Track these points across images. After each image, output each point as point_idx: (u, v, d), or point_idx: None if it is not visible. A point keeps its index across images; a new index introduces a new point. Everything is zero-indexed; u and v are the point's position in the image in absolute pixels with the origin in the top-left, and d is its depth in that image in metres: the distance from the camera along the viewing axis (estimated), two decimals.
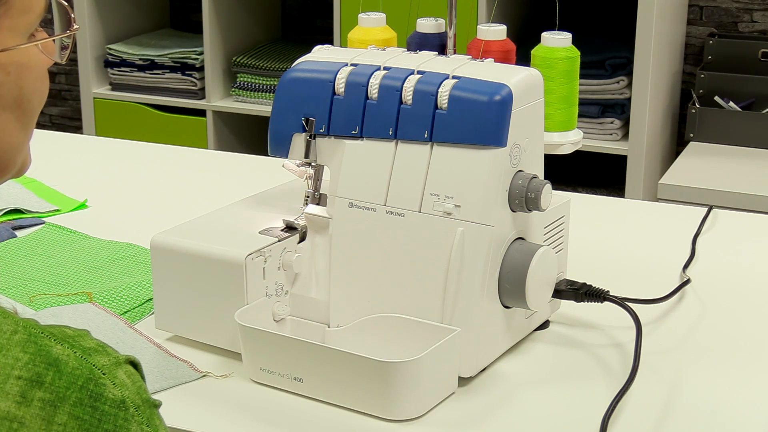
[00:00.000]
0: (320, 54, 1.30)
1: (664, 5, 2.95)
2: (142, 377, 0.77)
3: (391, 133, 1.21)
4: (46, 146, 2.04)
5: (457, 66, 1.21)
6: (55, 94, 4.11)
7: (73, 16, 0.89)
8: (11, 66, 0.81)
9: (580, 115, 1.53)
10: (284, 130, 1.28)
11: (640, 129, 2.94)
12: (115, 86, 3.60)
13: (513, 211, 1.20)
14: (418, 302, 1.20)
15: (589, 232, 1.64)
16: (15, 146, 0.85)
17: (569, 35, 1.37)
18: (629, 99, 2.98)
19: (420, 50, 1.29)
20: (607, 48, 3.05)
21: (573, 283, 1.30)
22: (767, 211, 2.50)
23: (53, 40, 0.87)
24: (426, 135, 1.19)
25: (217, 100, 3.48)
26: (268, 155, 1.34)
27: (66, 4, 0.89)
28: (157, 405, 0.76)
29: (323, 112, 1.25)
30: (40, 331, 0.73)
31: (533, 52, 1.38)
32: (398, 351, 1.17)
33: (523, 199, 1.19)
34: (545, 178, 1.23)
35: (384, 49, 1.29)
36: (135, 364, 0.77)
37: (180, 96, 3.52)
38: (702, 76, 3.13)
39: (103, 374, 0.73)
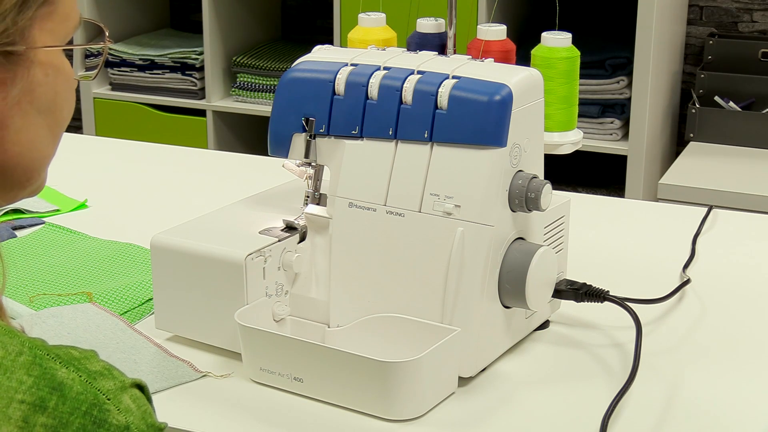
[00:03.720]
0: (320, 54, 1.30)
1: (664, 5, 2.95)
2: (149, 400, 0.76)
3: (391, 133, 1.21)
4: None
5: (457, 66, 1.21)
6: None
7: (107, 33, 0.91)
8: (50, 68, 0.82)
9: (580, 115, 1.53)
10: (284, 130, 1.28)
11: (640, 129, 2.94)
12: (115, 86, 3.60)
13: (513, 211, 1.20)
14: (418, 302, 1.20)
15: (589, 232, 1.64)
16: (44, 156, 0.85)
17: (569, 35, 1.37)
18: (629, 99, 2.98)
19: (420, 50, 1.29)
20: (607, 48, 3.05)
21: (573, 283, 1.30)
22: (767, 211, 2.50)
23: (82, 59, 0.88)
24: (426, 135, 1.19)
25: (217, 100, 3.48)
26: (268, 155, 1.34)
27: (98, 23, 0.91)
28: (162, 428, 0.76)
29: (323, 112, 1.25)
30: (46, 352, 0.72)
31: (533, 52, 1.38)
32: (398, 351, 1.17)
33: (523, 199, 1.19)
34: (545, 178, 1.23)
35: (384, 49, 1.29)
36: (141, 387, 0.76)
37: (180, 96, 3.52)
38: (702, 76, 3.13)
39: (108, 399, 0.72)
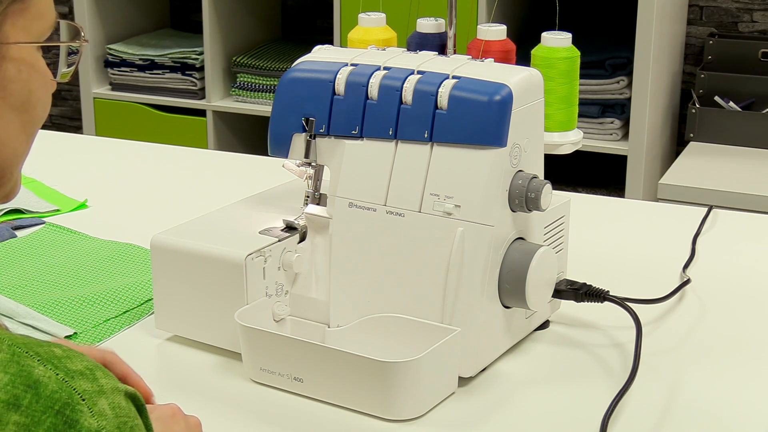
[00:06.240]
0: (320, 54, 1.30)
1: (664, 5, 2.95)
2: (141, 414, 0.74)
3: (391, 133, 1.21)
4: (46, 146, 2.03)
5: (457, 66, 1.21)
6: (56, 94, 4.05)
7: (83, 35, 0.91)
8: (23, 65, 0.82)
9: (580, 115, 1.53)
10: (284, 130, 1.28)
11: (640, 129, 2.94)
12: (115, 86, 3.60)
13: (513, 211, 1.20)
14: (418, 302, 1.20)
15: (589, 232, 1.64)
16: (16, 153, 0.84)
17: (569, 35, 1.37)
18: (629, 99, 2.98)
19: (420, 50, 1.29)
20: (607, 48, 3.05)
21: (573, 283, 1.30)
22: (767, 211, 2.50)
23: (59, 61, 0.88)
24: (426, 135, 1.19)
25: (217, 100, 3.48)
26: (268, 155, 1.34)
27: (75, 24, 0.91)
28: None
29: (323, 112, 1.25)
30: (25, 350, 0.71)
31: (533, 52, 1.38)
32: (398, 351, 1.17)
33: (523, 199, 1.19)
34: (545, 178, 1.23)
35: (384, 49, 1.29)
36: (134, 398, 0.74)
37: (180, 96, 3.52)
38: (702, 76, 3.13)
39: (83, 400, 0.70)
